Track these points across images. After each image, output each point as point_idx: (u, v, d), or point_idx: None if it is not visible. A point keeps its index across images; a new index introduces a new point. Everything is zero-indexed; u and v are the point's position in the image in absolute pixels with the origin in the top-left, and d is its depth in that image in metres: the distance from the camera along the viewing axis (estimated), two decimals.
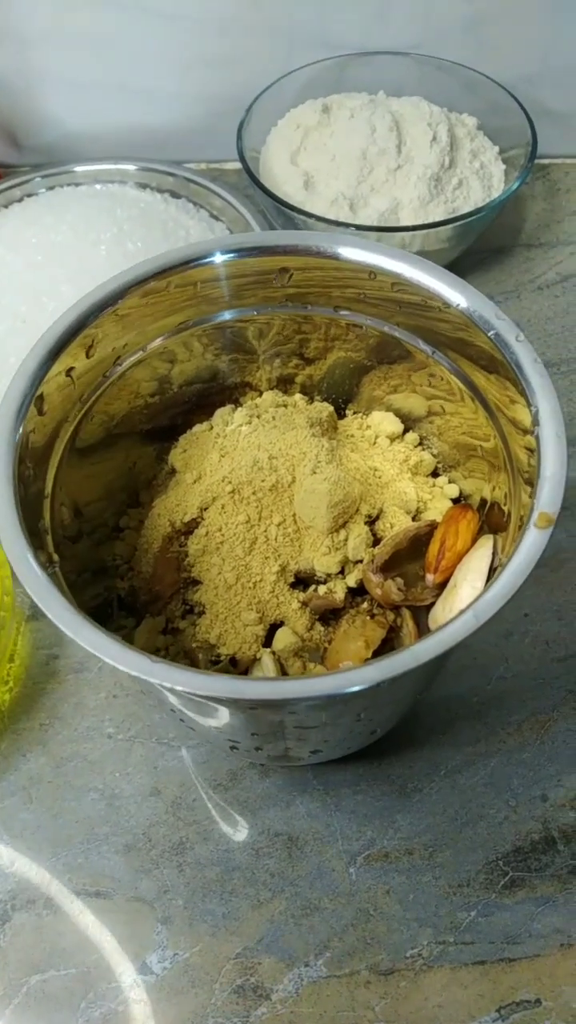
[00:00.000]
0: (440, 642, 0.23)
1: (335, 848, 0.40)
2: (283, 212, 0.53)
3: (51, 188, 0.63)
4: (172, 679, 0.22)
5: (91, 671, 0.45)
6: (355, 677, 0.22)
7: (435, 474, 0.38)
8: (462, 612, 0.23)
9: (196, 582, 0.34)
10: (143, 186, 0.63)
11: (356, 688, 0.22)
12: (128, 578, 0.36)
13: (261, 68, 0.60)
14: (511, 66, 0.60)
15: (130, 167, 0.64)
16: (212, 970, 0.37)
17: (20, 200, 0.63)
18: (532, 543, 0.24)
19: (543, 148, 0.59)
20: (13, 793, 0.42)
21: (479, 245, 0.59)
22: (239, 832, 0.40)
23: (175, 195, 0.63)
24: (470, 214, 0.51)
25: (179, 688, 0.22)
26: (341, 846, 0.40)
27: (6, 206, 0.62)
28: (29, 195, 0.63)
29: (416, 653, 0.22)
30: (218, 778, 0.42)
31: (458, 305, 0.30)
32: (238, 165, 0.58)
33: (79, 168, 0.63)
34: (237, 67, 0.61)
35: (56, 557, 0.27)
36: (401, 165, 0.54)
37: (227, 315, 0.35)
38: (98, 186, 0.63)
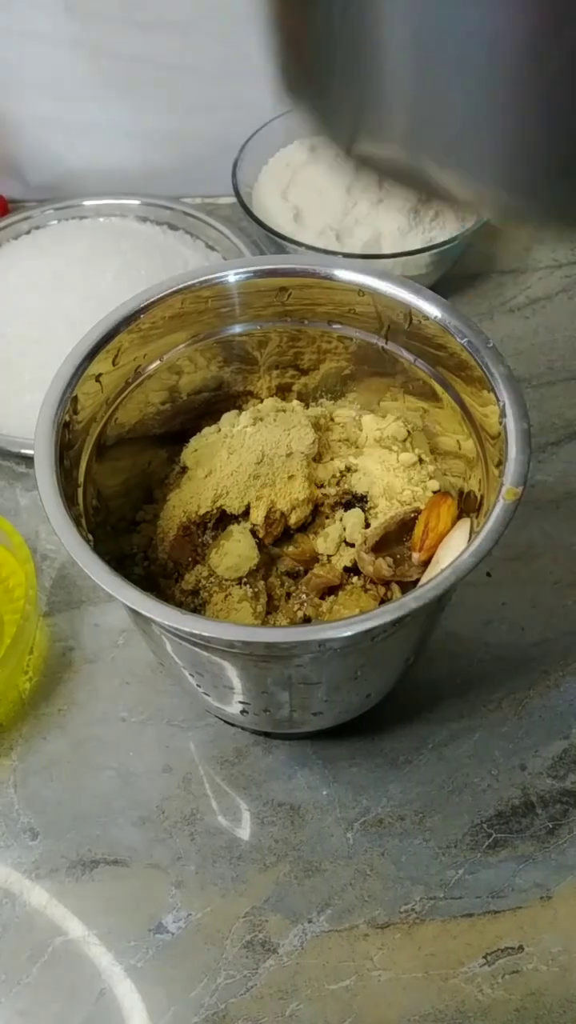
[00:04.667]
0: (425, 593, 0.27)
1: (333, 816, 0.43)
2: (275, 242, 0.58)
3: (60, 221, 0.68)
4: (200, 628, 0.26)
5: (104, 661, 0.48)
6: (353, 623, 0.26)
7: (418, 470, 0.42)
8: (443, 570, 0.27)
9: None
10: (143, 219, 0.68)
11: (354, 631, 0.26)
12: (144, 565, 0.40)
13: (251, 112, 0.65)
14: None
15: (131, 202, 0.68)
16: (223, 928, 0.40)
17: (28, 232, 0.67)
18: (501, 512, 0.29)
19: None
20: (36, 772, 0.45)
21: (456, 271, 0.64)
22: (245, 803, 0.44)
23: (173, 227, 0.67)
24: (445, 242, 0.56)
25: (206, 635, 0.26)
26: (339, 814, 0.43)
27: (15, 238, 0.67)
28: (37, 227, 0.68)
29: (405, 603, 0.26)
30: (224, 755, 0.45)
31: (436, 317, 0.35)
32: (231, 199, 0.62)
33: (87, 202, 0.68)
34: (229, 111, 0.66)
35: (91, 537, 0.31)
36: (382, 199, 0.59)
37: (233, 329, 0.39)
38: (101, 219, 0.68)
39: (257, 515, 0.38)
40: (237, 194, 0.60)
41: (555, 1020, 0.38)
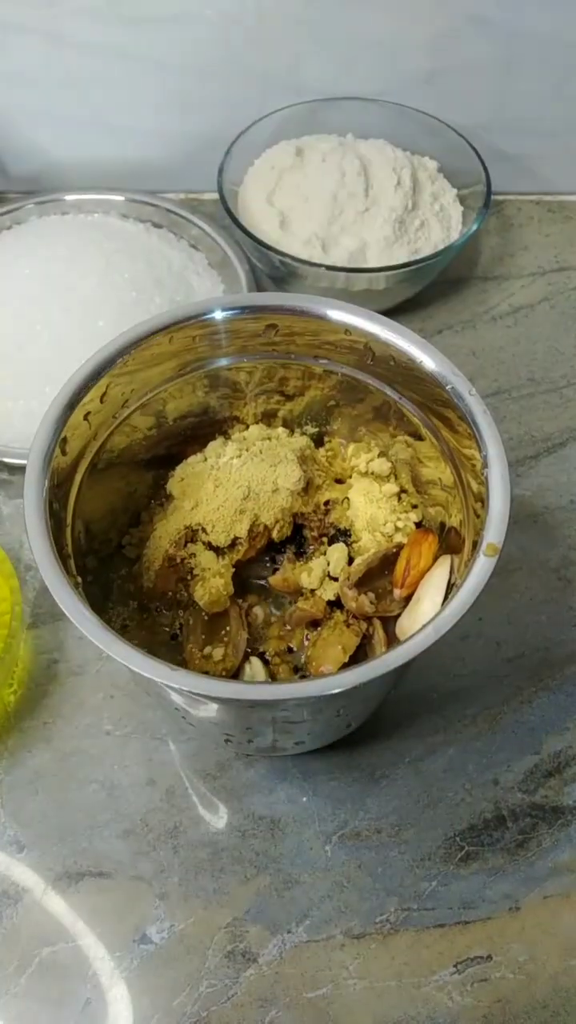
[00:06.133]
0: (406, 651, 0.28)
1: (312, 829, 0.44)
2: (259, 249, 0.57)
3: (41, 216, 0.66)
4: (189, 684, 0.27)
5: (89, 674, 0.49)
6: (337, 681, 0.27)
7: (400, 501, 0.43)
8: (424, 626, 0.28)
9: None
10: (125, 216, 0.67)
11: (338, 690, 0.27)
12: (129, 591, 0.41)
13: (237, 110, 0.64)
14: (468, 114, 0.65)
15: (114, 197, 0.67)
16: (205, 938, 0.42)
17: (9, 228, 0.66)
18: (482, 567, 0.30)
19: (497, 185, 0.65)
20: (21, 786, 0.46)
21: (439, 278, 0.64)
22: (227, 816, 0.45)
23: (156, 225, 0.66)
24: (430, 257, 0.56)
25: (196, 691, 0.27)
26: (318, 827, 0.44)
27: None
28: (18, 223, 0.67)
29: (387, 661, 0.27)
30: (207, 769, 0.46)
31: (421, 363, 0.35)
32: (215, 195, 0.62)
33: (69, 197, 0.67)
34: (215, 109, 0.66)
35: (79, 580, 0.32)
36: (368, 208, 0.59)
37: (220, 363, 0.39)
38: (83, 216, 0.67)
39: (241, 529, 0.39)
40: (223, 198, 0.60)
41: None
